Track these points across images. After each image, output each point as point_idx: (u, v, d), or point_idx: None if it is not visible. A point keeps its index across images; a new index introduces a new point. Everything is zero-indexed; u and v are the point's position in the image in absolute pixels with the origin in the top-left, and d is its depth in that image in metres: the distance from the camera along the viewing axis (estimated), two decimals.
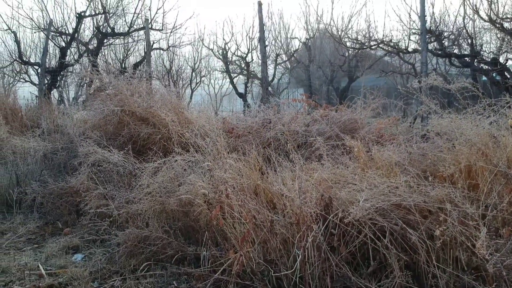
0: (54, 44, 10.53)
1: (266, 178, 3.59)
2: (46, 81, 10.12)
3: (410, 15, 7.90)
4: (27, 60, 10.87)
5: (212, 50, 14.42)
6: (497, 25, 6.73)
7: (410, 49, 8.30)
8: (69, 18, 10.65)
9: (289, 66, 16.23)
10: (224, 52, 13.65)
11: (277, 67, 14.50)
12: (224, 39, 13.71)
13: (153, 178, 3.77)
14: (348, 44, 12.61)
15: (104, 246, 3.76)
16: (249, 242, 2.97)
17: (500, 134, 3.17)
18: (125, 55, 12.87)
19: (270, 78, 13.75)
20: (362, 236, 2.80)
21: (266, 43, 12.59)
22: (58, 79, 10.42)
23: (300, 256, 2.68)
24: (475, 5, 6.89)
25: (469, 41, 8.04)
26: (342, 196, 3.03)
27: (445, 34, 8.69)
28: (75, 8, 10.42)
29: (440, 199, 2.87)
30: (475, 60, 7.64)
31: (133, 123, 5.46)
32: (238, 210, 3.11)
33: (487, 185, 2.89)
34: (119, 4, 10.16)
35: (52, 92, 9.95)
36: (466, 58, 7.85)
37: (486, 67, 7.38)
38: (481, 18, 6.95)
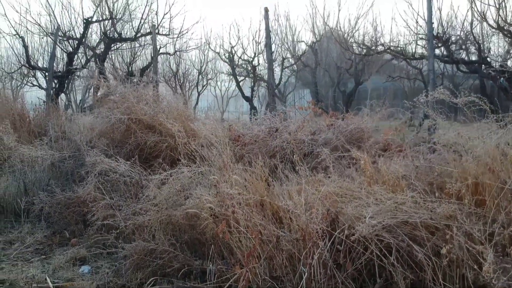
0: (62, 49, 10.57)
1: (272, 190, 3.60)
2: (53, 85, 10.19)
3: (417, 21, 7.87)
4: (35, 64, 10.93)
5: (218, 53, 14.45)
6: (505, 32, 6.68)
7: (417, 55, 8.25)
8: (76, 22, 10.69)
9: (295, 68, 16.21)
10: (231, 55, 13.66)
11: (283, 70, 14.47)
12: (230, 43, 13.70)
13: (160, 190, 3.78)
14: (354, 47, 12.58)
15: (111, 257, 3.78)
16: (255, 258, 2.97)
17: (508, 147, 3.15)
18: (132, 58, 12.94)
19: (276, 82, 13.76)
20: (368, 253, 2.80)
21: (273, 46, 12.58)
22: (66, 83, 10.47)
23: (306, 273, 2.68)
24: (483, 12, 6.84)
25: (477, 45, 7.99)
26: (348, 212, 3.02)
27: (453, 39, 8.65)
28: (82, 13, 10.44)
29: (447, 216, 2.86)
30: (482, 66, 7.59)
31: (140, 131, 5.49)
32: (244, 224, 3.12)
33: (495, 201, 2.87)
34: (126, 9, 10.20)
35: (59, 97, 10.01)
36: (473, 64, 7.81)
37: (494, 73, 7.33)
38: (489, 25, 6.90)
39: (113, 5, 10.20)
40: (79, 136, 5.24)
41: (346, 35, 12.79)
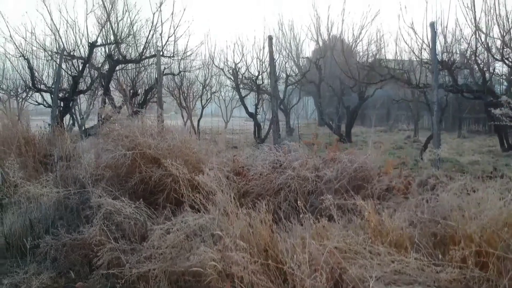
0: (66, 72, 10.63)
1: (276, 240, 3.61)
2: (58, 104, 10.26)
3: (421, 47, 7.82)
4: (38, 85, 10.97)
5: (222, 69, 14.51)
6: (509, 63, 6.66)
7: (421, 84, 8.25)
8: (81, 42, 10.75)
9: (299, 78, 16.26)
10: (235, 72, 13.70)
11: (287, 86, 14.50)
12: (234, 61, 13.70)
13: (165, 239, 3.80)
14: (358, 62, 12.63)
15: None
16: None
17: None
18: (136, 74, 13.03)
19: (281, 96, 13.81)
20: None
21: (277, 57, 12.63)
22: (71, 105, 10.54)
23: None
24: (487, 43, 6.82)
25: (481, 66, 7.97)
26: (352, 272, 3.04)
27: (457, 64, 8.65)
28: (87, 33, 10.46)
29: (451, 280, 2.88)
30: (486, 92, 7.59)
31: (145, 165, 5.54)
32: (249, 282, 3.14)
33: (499, 265, 2.89)
34: (130, 30, 10.25)
35: (64, 118, 10.08)
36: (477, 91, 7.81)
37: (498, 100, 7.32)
38: (494, 57, 6.89)
39: (117, 25, 10.27)
40: (84, 174, 5.29)
41: (350, 45, 12.89)
